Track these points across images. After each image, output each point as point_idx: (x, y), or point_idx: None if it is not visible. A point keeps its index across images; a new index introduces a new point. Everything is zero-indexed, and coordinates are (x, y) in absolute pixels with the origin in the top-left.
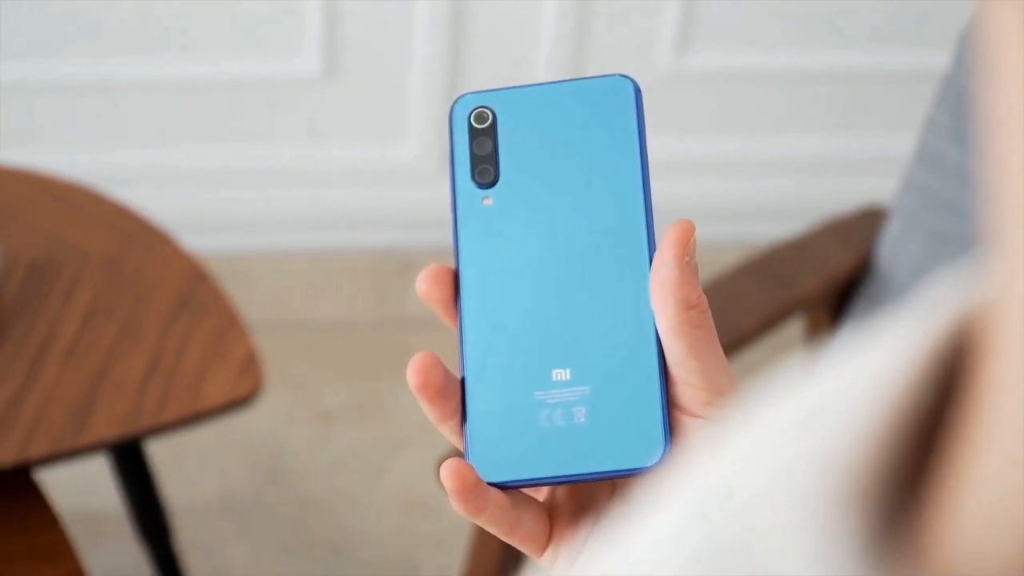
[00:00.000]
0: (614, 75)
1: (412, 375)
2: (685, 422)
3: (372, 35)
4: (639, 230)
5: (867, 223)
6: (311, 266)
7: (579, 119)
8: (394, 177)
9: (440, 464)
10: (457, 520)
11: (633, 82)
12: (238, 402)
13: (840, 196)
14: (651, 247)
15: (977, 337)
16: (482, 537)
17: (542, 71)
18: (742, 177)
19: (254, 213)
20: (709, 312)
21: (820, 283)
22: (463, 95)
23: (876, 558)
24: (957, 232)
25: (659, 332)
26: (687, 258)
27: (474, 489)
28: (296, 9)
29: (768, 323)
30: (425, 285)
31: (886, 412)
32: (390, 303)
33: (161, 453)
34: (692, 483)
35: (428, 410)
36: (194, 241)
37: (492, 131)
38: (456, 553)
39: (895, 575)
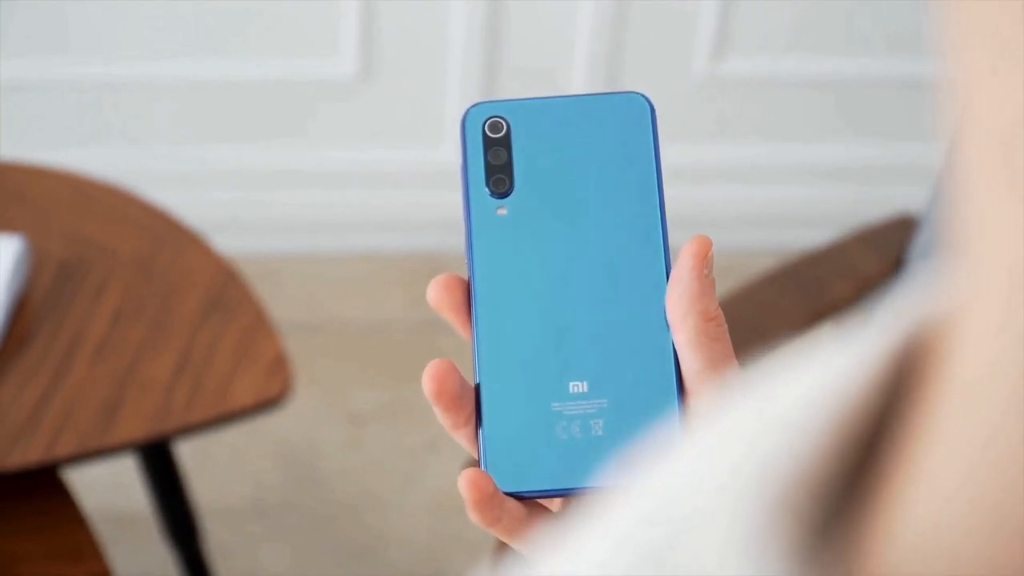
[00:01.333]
0: (629, 92)
1: (428, 381)
2: None
3: (409, 37)
4: (656, 244)
5: (899, 230)
6: (343, 267)
7: (594, 133)
8: (428, 180)
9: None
10: None
11: (648, 100)
12: (267, 403)
13: (872, 203)
14: (667, 261)
15: (931, 343)
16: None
17: (578, 75)
18: (775, 183)
19: (286, 214)
20: (726, 326)
21: (852, 290)
22: (476, 104)
23: (813, 569)
24: None
25: (677, 345)
26: (706, 271)
27: (491, 499)
28: (333, 10)
29: (799, 330)
30: (436, 293)
31: (832, 422)
32: (421, 305)
33: (192, 454)
34: (637, 493)
35: (442, 417)
36: (225, 242)
37: (507, 141)
38: (485, 555)
39: None
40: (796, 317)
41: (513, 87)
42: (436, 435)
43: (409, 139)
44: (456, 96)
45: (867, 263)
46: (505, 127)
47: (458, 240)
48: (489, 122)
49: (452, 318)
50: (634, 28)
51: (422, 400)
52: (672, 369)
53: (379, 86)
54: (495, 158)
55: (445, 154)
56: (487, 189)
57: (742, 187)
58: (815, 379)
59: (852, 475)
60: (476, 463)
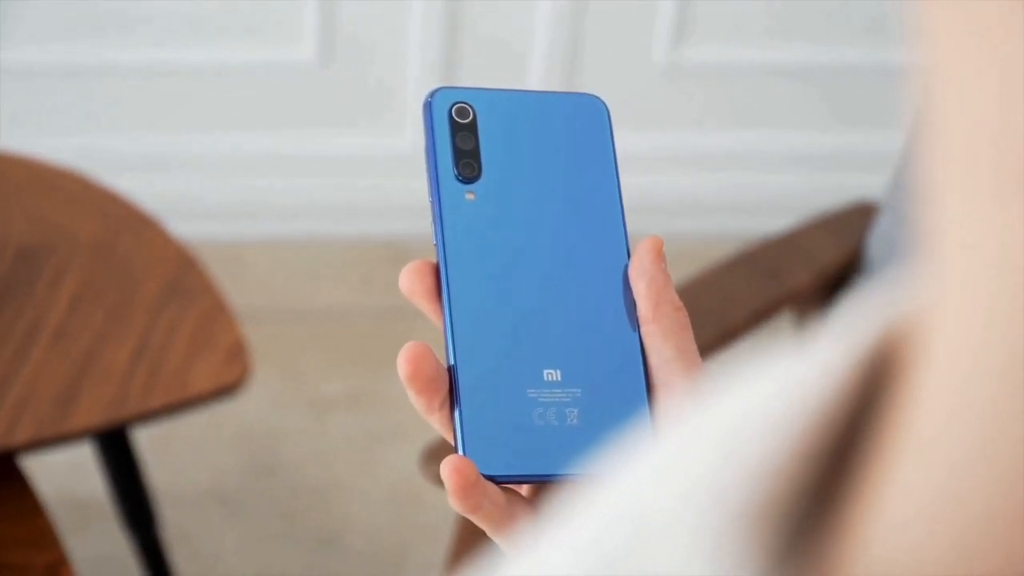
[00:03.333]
0: (586, 94)
1: (403, 364)
2: (665, 426)
3: (369, 23)
4: (617, 238)
5: (857, 218)
6: (305, 254)
7: (555, 127)
8: (389, 166)
9: (424, 457)
10: (446, 511)
11: (603, 102)
12: (225, 390)
13: (831, 191)
14: (628, 255)
15: (900, 349)
16: (467, 528)
17: (537, 64)
18: (734, 170)
19: (248, 200)
20: (688, 318)
21: (810, 277)
22: (439, 88)
23: (781, 573)
24: None
25: (647, 335)
26: (664, 266)
27: (474, 486)
28: None
29: (758, 317)
30: (407, 279)
31: (803, 427)
32: (383, 291)
33: (153, 441)
34: (602, 496)
35: (416, 400)
36: (185, 228)
37: (474, 127)
38: (445, 543)
39: None
40: (755, 304)
41: (472, 74)
42: (398, 422)
43: (369, 125)
44: (416, 82)
45: (826, 250)
46: (472, 113)
47: (418, 226)
48: (456, 107)
49: (424, 305)
50: (593, 18)
51: (384, 387)
52: (639, 359)
53: (339, 72)
54: (464, 143)
55: (406, 140)
56: (455, 173)
57: (701, 174)
58: (782, 383)
59: (822, 482)
60: (438, 448)
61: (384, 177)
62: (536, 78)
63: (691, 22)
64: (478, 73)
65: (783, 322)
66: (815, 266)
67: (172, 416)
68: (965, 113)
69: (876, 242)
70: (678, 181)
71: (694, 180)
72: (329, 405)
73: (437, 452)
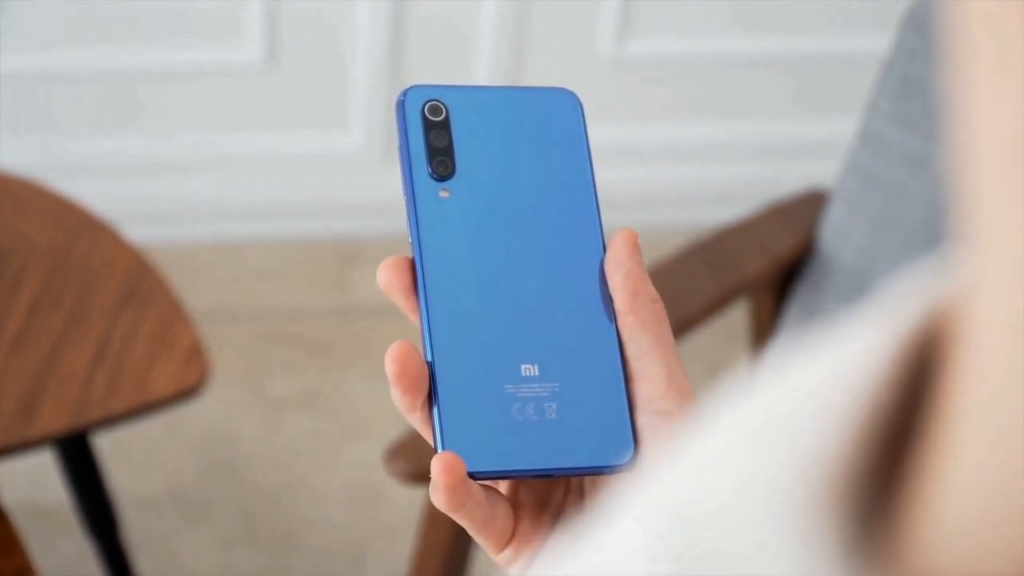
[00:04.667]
0: (559, 88)
1: (391, 363)
2: (644, 418)
3: (314, 22)
4: (593, 231)
5: (809, 206)
6: (256, 255)
7: (529, 122)
8: (338, 165)
9: (389, 453)
10: (407, 508)
11: (577, 96)
12: (185, 392)
13: (781, 180)
14: (604, 249)
15: (946, 331)
16: (432, 525)
17: (483, 60)
18: (683, 162)
19: (197, 202)
20: (665, 310)
21: (764, 266)
22: (412, 87)
23: (855, 559)
24: (900, 215)
25: (624, 327)
26: (641, 258)
27: (463, 483)
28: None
29: (713, 307)
30: (386, 275)
31: (857, 411)
32: (336, 291)
33: (109, 446)
34: (658, 492)
35: (400, 399)
36: (138, 232)
37: (447, 124)
38: (406, 541)
39: (875, 572)
40: (710, 294)
41: (420, 72)
42: (353, 421)
43: (318, 125)
44: (363, 81)
45: (779, 239)
46: (445, 111)
47: (370, 224)
48: (428, 105)
49: (401, 301)
50: (539, 13)
51: (339, 386)
52: (617, 353)
53: (286, 72)
54: (437, 140)
55: (354, 139)
56: (429, 172)
57: (651, 167)
58: (831, 370)
59: (883, 464)
60: (402, 445)
61: (334, 176)
62: (483, 74)
63: (635, 16)
64: (425, 71)
65: (738, 311)
66: (769, 255)
67: (134, 420)
68: (1002, 117)
69: (828, 229)
70: (628, 174)
71: (644, 173)
72: (284, 405)
73: (401, 449)
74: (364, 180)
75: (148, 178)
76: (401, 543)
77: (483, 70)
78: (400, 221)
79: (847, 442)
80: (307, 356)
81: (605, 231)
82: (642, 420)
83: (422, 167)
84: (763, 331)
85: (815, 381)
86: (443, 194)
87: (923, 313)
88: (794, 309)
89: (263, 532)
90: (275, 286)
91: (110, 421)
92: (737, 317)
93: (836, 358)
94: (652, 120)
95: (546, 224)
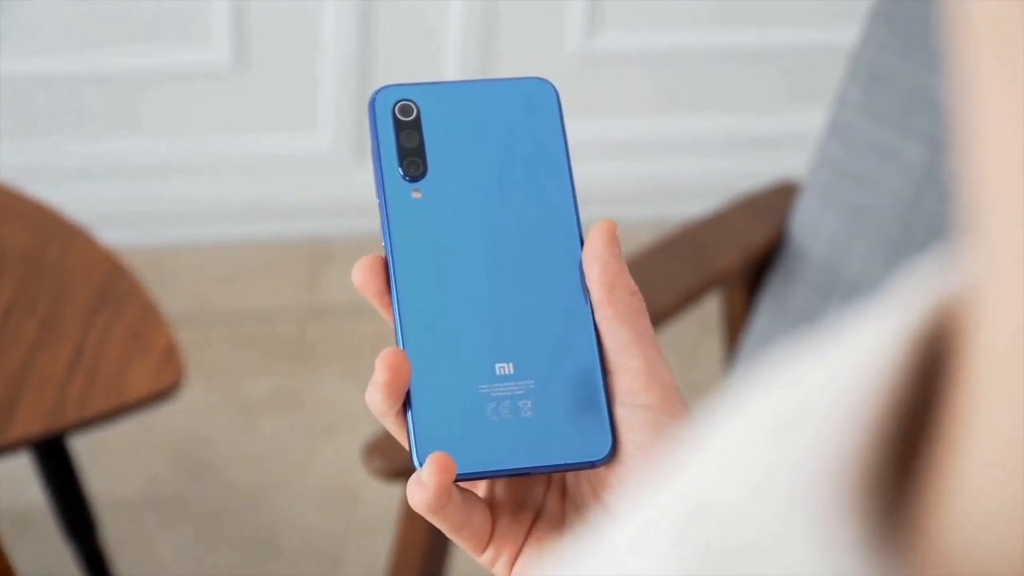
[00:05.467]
0: (533, 78)
1: (385, 371)
2: (619, 413)
3: (281, 23)
4: (569, 225)
5: (780, 198)
6: (226, 256)
7: (502, 116)
8: (307, 166)
9: (367, 451)
10: (382, 507)
11: (552, 85)
12: (161, 394)
13: (750, 173)
14: (581, 242)
15: (955, 326)
16: (410, 522)
17: (452, 57)
18: (653, 157)
19: (167, 205)
20: (644, 303)
21: (736, 259)
22: (383, 87)
23: (876, 554)
24: (871, 206)
25: (601, 321)
26: (619, 251)
27: (452, 485)
28: (203, 1)
29: (686, 300)
30: (360, 276)
31: (871, 407)
32: (306, 291)
33: (83, 449)
34: (673, 492)
35: (385, 404)
36: (109, 236)
37: (418, 124)
38: (381, 540)
39: (895, 567)
40: (682, 287)
41: (387, 71)
42: (329, 421)
43: (287, 126)
44: (331, 81)
45: (750, 232)
46: (415, 110)
47: (339, 224)
48: (399, 105)
49: (376, 302)
50: (507, 10)
51: (311, 386)
52: (595, 348)
53: (254, 74)
54: (407, 141)
55: (323, 139)
56: (400, 172)
57: (620, 161)
58: (841, 364)
59: (900, 464)
60: (380, 443)
61: (305, 176)
62: (452, 72)
63: (602, 10)
64: (394, 70)
65: (710, 303)
66: (740, 247)
67: (110, 422)
68: (1008, 115)
69: (799, 221)
70: (597, 169)
71: (613, 168)
72: (258, 406)
73: (379, 447)
74: (335, 180)
75: (118, 181)
76: (378, 541)
77: (452, 67)
78: (372, 220)
79: (862, 438)
80: (280, 356)
81: (604, 219)
82: (622, 413)
83: (393, 168)
84: (736, 323)
85: (827, 378)
86: (415, 195)
87: (932, 308)
88: (766, 300)
89: (240, 533)
90: (247, 287)
91: (87, 424)
92: (710, 309)
93: (847, 354)
94: (621, 115)
95: (521, 219)
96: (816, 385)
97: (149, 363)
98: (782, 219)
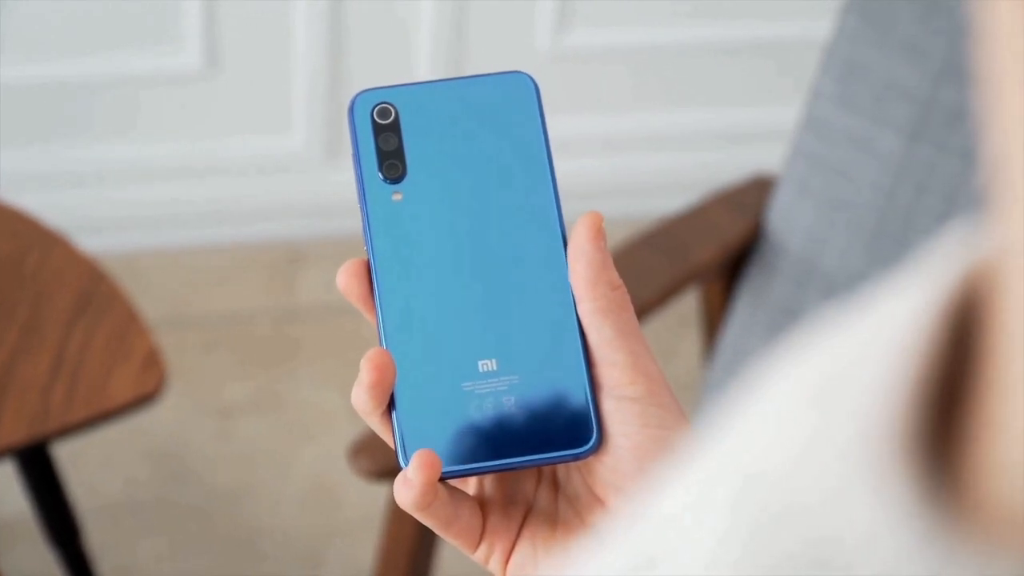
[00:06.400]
0: (513, 72)
1: (372, 371)
2: (607, 405)
3: (252, 26)
4: (551, 220)
5: (756, 192)
6: (200, 260)
7: (482, 114)
8: (280, 168)
9: (352, 450)
10: (362, 508)
11: (532, 79)
12: (143, 399)
13: (725, 168)
14: (563, 236)
15: (986, 288)
16: (396, 520)
17: (423, 57)
18: (626, 153)
19: (140, 211)
20: (629, 296)
21: (715, 253)
22: (362, 91)
23: (929, 508)
24: (847, 197)
25: (584, 315)
26: (603, 244)
27: (436, 484)
28: (173, 4)
29: (666, 295)
30: (345, 280)
31: (912, 367)
32: (282, 293)
33: (61, 456)
34: (718, 459)
35: (370, 405)
36: (84, 242)
37: (396, 126)
38: (362, 541)
39: (947, 518)
40: (662, 282)
41: (359, 72)
42: (305, 423)
43: (259, 128)
44: (303, 82)
45: (728, 226)
46: (393, 113)
47: (314, 226)
48: (377, 108)
49: (360, 306)
50: (478, 9)
51: (287, 388)
52: (578, 341)
53: (226, 77)
54: (386, 144)
55: (296, 141)
56: (380, 175)
57: (595, 159)
58: (874, 332)
59: (940, 417)
60: (365, 443)
61: (276, 179)
62: (424, 71)
63: (572, 8)
64: (365, 70)
65: (688, 297)
66: (718, 242)
67: (93, 428)
68: None
69: (776, 214)
70: (571, 167)
71: (587, 165)
72: (235, 409)
73: (364, 446)
74: (308, 181)
75: (89, 187)
76: (359, 542)
77: (424, 67)
78: (346, 221)
79: (905, 398)
80: (256, 358)
81: (590, 211)
82: (611, 405)
83: (373, 171)
84: (714, 317)
85: (866, 343)
86: (396, 197)
87: (963, 271)
88: (744, 294)
89: (221, 536)
90: (222, 290)
91: (69, 430)
92: (687, 304)
93: (882, 320)
94: (594, 112)
95: (502, 217)
96: (855, 350)
97: (131, 368)
98: (758, 213)
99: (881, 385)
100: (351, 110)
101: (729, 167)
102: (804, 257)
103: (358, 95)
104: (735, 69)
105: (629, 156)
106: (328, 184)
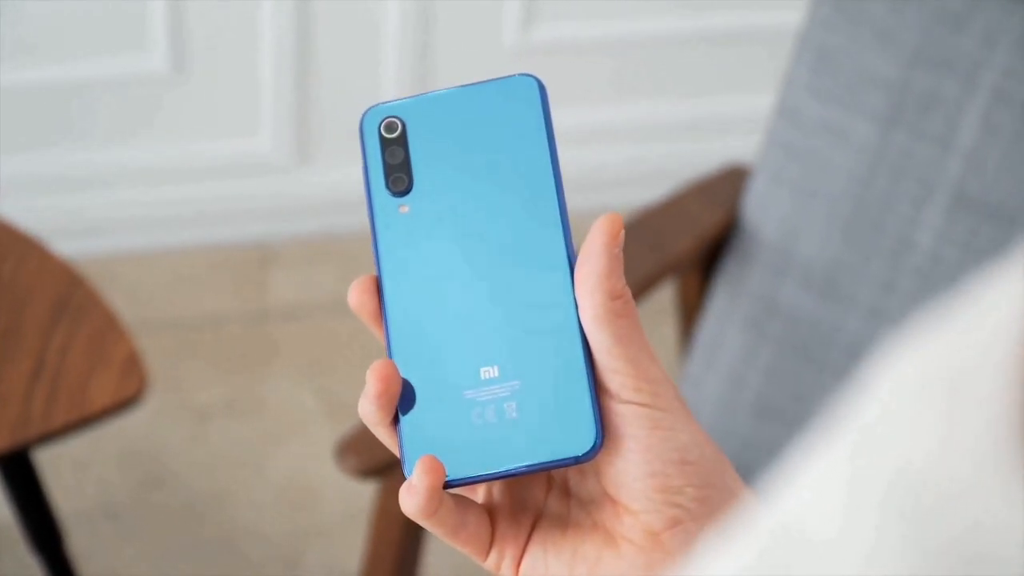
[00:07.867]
0: (519, 75)
1: (376, 382)
2: (616, 409)
3: (219, 29)
4: (555, 226)
5: (731, 182)
6: (172, 263)
7: (487, 121)
8: (249, 170)
9: (339, 450)
10: (340, 509)
11: (537, 80)
12: (124, 403)
13: (698, 159)
14: (568, 242)
15: None
16: (383, 519)
17: (390, 56)
18: (599, 145)
19: (111, 214)
20: (633, 302)
21: (691, 244)
22: (372, 107)
23: None
24: (821, 186)
25: (584, 322)
26: (616, 250)
27: (441, 489)
28: (139, 8)
29: (643, 287)
30: (357, 297)
31: None
32: (254, 295)
33: (36, 462)
34: (854, 462)
35: (377, 415)
36: (57, 246)
37: (403, 140)
38: (341, 542)
39: None
40: (640, 273)
41: (326, 69)
42: (279, 425)
43: (228, 131)
44: (271, 84)
45: (704, 216)
46: (400, 126)
47: (284, 227)
48: (384, 123)
49: (370, 321)
50: (444, 7)
51: (261, 390)
52: (580, 347)
53: (194, 80)
54: (392, 158)
55: (264, 143)
56: (387, 189)
57: (568, 152)
58: (993, 319)
59: None
60: (352, 441)
61: (245, 181)
62: (391, 70)
63: (538, 2)
64: (332, 71)
65: (664, 289)
66: (695, 232)
67: (74, 434)
68: None
69: (751, 204)
70: None
71: (560, 157)
72: (209, 412)
73: (352, 444)
74: (278, 183)
75: (59, 192)
76: (338, 542)
77: (391, 65)
78: (316, 221)
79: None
80: (228, 362)
81: (609, 212)
82: (619, 410)
83: (380, 185)
84: (691, 308)
85: (987, 334)
86: (403, 210)
87: None
88: (721, 284)
89: (197, 540)
90: (194, 293)
91: (51, 436)
92: (663, 295)
93: (992, 308)
94: (565, 105)
95: (508, 225)
96: (977, 342)
97: (111, 373)
98: (733, 202)
99: (1010, 374)
100: (361, 127)
101: (703, 158)
102: (781, 246)
103: (367, 111)
104: (707, 59)
105: (601, 148)
106: (297, 185)
